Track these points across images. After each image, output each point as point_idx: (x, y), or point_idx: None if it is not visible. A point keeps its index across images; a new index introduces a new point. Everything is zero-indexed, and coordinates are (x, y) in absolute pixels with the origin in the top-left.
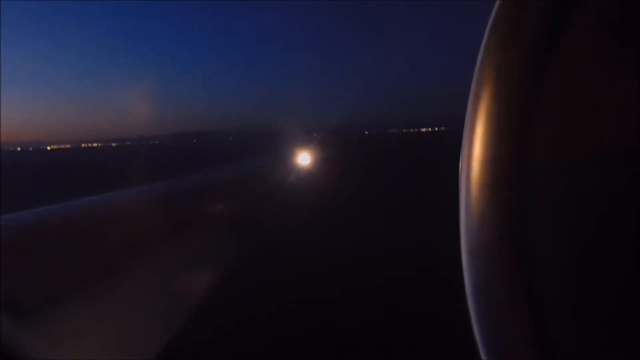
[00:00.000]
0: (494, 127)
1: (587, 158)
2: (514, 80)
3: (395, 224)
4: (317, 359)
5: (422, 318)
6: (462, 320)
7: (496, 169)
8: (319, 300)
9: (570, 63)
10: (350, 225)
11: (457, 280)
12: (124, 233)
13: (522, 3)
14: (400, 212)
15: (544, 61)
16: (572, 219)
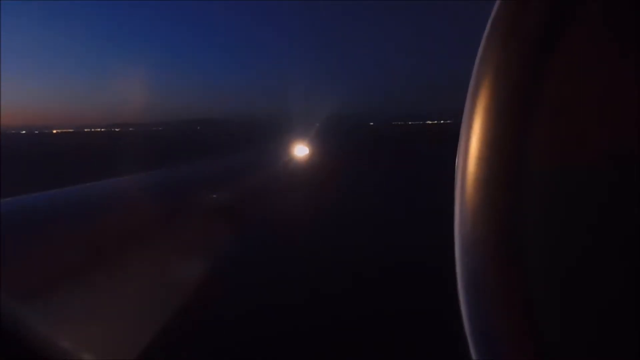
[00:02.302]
0: (491, 124)
1: (584, 159)
2: (512, 79)
3: (393, 222)
4: (315, 359)
5: (417, 316)
6: (455, 319)
7: (492, 167)
8: (317, 298)
9: (570, 63)
10: (347, 221)
11: (451, 277)
12: (119, 224)
13: (523, 2)
14: (398, 210)
15: (544, 60)
16: (567, 218)
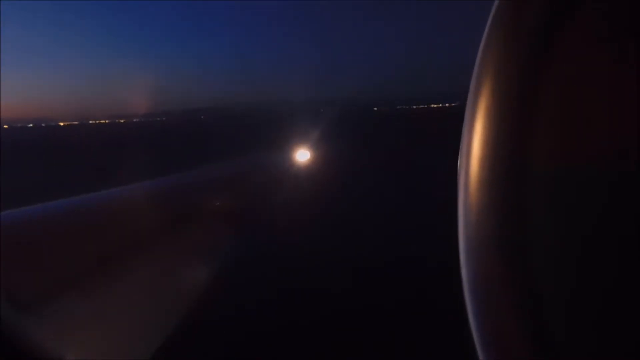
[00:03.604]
0: (493, 124)
1: (586, 157)
2: (513, 79)
3: (395, 221)
4: (316, 359)
5: (420, 316)
6: (460, 318)
7: (494, 167)
8: (318, 298)
9: (570, 62)
10: (350, 222)
11: (456, 278)
12: (124, 231)
13: (522, 1)
14: (400, 208)
15: (544, 60)
16: (570, 217)
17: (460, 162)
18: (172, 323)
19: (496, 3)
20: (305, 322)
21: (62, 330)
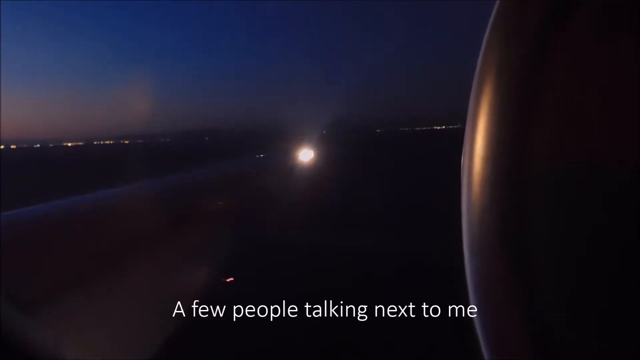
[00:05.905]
0: (495, 123)
1: (589, 157)
2: (515, 77)
3: (397, 222)
4: (315, 359)
5: (423, 316)
6: (464, 318)
7: (498, 166)
8: (318, 298)
9: (571, 61)
10: (350, 221)
11: (460, 278)
12: (124, 231)
13: (522, 2)
14: (402, 210)
15: (547, 59)
16: (573, 217)
17: (464, 162)
18: (172, 323)
19: (496, 4)
20: (305, 322)
21: (62, 330)
